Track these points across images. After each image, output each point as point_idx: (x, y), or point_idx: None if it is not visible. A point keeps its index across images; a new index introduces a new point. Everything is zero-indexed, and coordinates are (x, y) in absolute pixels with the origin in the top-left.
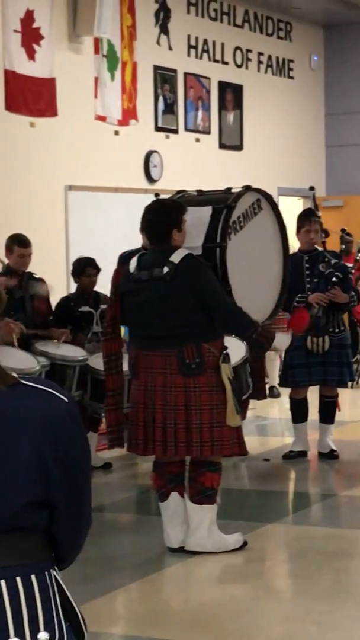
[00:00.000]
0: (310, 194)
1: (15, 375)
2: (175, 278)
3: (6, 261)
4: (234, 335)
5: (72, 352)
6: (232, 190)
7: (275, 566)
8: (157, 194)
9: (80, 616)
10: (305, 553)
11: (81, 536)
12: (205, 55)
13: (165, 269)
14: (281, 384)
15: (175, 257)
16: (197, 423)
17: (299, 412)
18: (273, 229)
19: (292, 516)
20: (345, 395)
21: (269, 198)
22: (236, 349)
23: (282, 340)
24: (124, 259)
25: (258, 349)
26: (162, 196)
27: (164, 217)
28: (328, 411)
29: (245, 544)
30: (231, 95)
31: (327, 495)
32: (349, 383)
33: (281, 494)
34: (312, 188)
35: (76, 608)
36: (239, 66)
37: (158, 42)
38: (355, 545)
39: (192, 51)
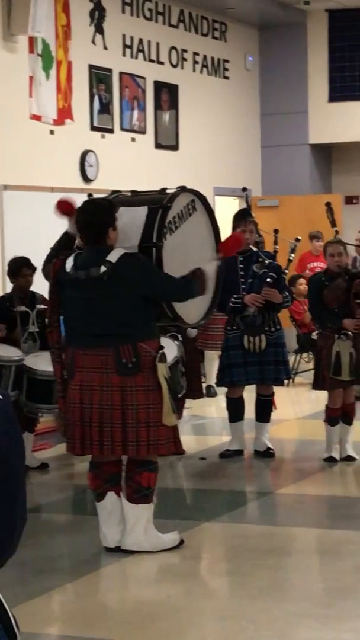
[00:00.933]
0: (244, 194)
1: None
2: (112, 277)
3: None
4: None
5: (7, 352)
6: (167, 191)
7: (212, 564)
8: (89, 194)
9: (12, 617)
10: (241, 551)
11: (15, 536)
12: (140, 54)
13: (103, 268)
14: (218, 384)
15: (113, 256)
16: (133, 422)
17: (235, 411)
18: (207, 229)
19: (229, 514)
20: (281, 393)
21: (202, 199)
22: (169, 348)
23: (210, 266)
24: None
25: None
26: (97, 196)
27: (99, 217)
28: (264, 410)
29: (181, 542)
30: (167, 95)
31: (263, 493)
32: (285, 381)
33: (217, 493)
34: (244, 189)
35: (7, 609)
36: (174, 66)
37: (93, 42)
38: (290, 542)
39: (128, 51)
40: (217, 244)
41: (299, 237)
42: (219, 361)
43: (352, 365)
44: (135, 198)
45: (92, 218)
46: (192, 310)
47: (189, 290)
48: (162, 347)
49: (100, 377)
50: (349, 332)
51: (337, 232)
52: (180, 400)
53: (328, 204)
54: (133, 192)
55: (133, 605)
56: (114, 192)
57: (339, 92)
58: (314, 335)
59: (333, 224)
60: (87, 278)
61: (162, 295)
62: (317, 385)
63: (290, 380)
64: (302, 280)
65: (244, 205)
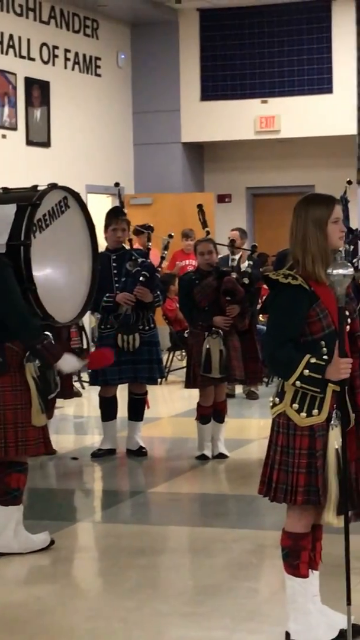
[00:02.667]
0: (117, 190)
1: None
2: None
3: None
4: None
5: None
6: (39, 188)
7: (82, 565)
8: None
9: None
10: (113, 551)
11: None
12: (11, 50)
13: None
14: (91, 383)
15: None
16: (0, 424)
17: (108, 410)
18: (81, 227)
19: (100, 514)
20: (154, 392)
21: (76, 196)
22: None
23: (69, 362)
24: None
25: (40, 361)
26: None
27: None
28: (137, 408)
29: (52, 543)
30: (38, 91)
31: (135, 492)
32: (159, 380)
33: (89, 492)
34: (117, 184)
35: None
36: (45, 62)
37: None
38: (162, 541)
39: None
40: (93, 243)
41: (172, 234)
42: None
43: (223, 363)
44: (5, 196)
45: None
46: (65, 309)
47: (30, 331)
48: None
49: None
50: (220, 330)
51: (208, 233)
52: (51, 400)
53: (199, 206)
54: (4, 189)
55: (2, 607)
56: None
57: (211, 91)
58: (187, 334)
59: (204, 225)
60: None
61: (2, 306)
62: (189, 383)
63: (163, 379)
64: (172, 288)
65: (117, 203)
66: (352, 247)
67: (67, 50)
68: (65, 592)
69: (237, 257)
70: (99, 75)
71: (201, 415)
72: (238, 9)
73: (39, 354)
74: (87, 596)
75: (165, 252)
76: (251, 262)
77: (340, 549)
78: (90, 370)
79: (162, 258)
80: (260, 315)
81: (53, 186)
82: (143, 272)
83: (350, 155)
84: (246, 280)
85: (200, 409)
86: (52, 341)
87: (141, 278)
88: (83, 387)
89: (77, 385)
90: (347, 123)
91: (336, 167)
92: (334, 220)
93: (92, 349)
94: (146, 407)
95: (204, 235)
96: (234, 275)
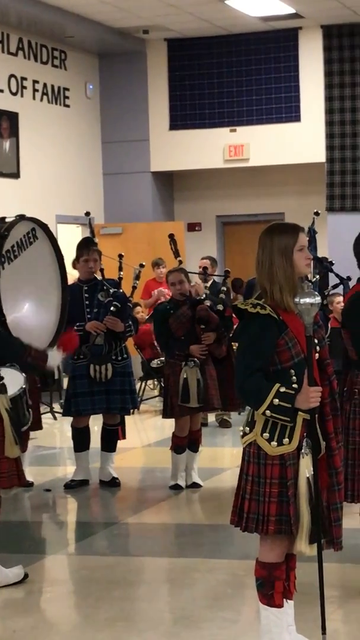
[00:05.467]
0: (87, 220)
1: None
2: None
3: None
4: (8, 365)
5: None
6: (7, 220)
7: (57, 598)
8: None
9: None
10: (87, 583)
11: None
12: None
13: None
14: (64, 414)
15: None
16: None
17: (80, 440)
18: (50, 258)
19: (74, 546)
20: (127, 421)
21: (44, 227)
22: (14, 379)
23: (55, 357)
24: None
25: (36, 370)
26: None
27: None
28: (110, 439)
29: (26, 576)
30: (7, 122)
31: (109, 523)
32: (132, 410)
33: (63, 524)
34: (87, 213)
35: None
36: (14, 94)
37: None
38: (137, 572)
39: None
40: (62, 274)
41: (143, 263)
42: (65, 391)
43: (201, 392)
44: None
45: None
46: (35, 339)
47: (14, 349)
48: (1, 378)
49: None
50: (196, 359)
51: (180, 262)
52: (25, 432)
53: (171, 236)
54: None
55: None
56: None
57: (180, 120)
58: (154, 363)
59: (176, 254)
60: None
61: None
62: (166, 414)
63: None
64: (138, 309)
65: (87, 233)
66: (320, 277)
67: (35, 82)
68: (39, 625)
69: (209, 284)
70: (68, 106)
71: (176, 445)
72: (206, 38)
73: (32, 366)
74: (61, 629)
75: (137, 281)
76: (224, 289)
77: (314, 578)
78: (62, 401)
79: (134, 288)
80: (232, 343)
81: (21, 217)
82: (114, 303)
83: (319, 183)
84: (220, 307)
85: (175, 439)
86: (31, 346)
87: (112, 308)
88: (55, 418)
89: (49, 415)
90: (316, 151)
91: (305, 194)
92: (299, 248)
93: (65, 380)
94: (122, 438)
95: (176, 264)
96: (207, 303)
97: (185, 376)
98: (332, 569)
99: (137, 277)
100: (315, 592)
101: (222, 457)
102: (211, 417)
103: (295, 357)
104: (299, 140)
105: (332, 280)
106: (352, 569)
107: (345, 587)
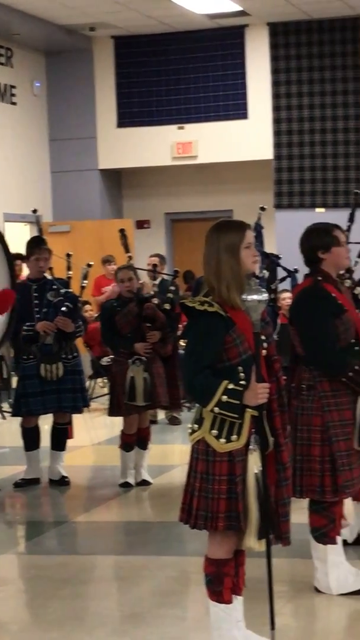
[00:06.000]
0: (34, 218)
1: None
2: None
3: None
4: None
5: None
6: None
7: (6, 597)
8: None
9: None
10: (37, 582)
11: None
12: None
13: None
14: (15, 414)
15: None
16: None
17: (31, 439)
18: None
19: (24, 545)
20: (76, 420)
21: None
22: None
23: None
24: None
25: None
26: None
27: None
28: (60, 438)
29: None
30: None
31: (59, 522)
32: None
33: (12, 523)
34: (34, 211)
35: None
36: None
37: None
38: (87, 571)
39: None
40: (11, 272)
41: (91, 263)
42: (15, 390)
43: (147, 390)
44: None
45: None
46: None
47: None
48: None
49: None
50: (142, 357)
51: (130, 257)
52: None
53: (122, 231)
54: None
55: None
56: None
57: (127, 117)
58: (104, 361)
59: (127, 249)
60: None
61: None
62: (112, 411)
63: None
64: (87, 307)
65: (35, 231)
66: (268, 272)
67: None
68: None
69: (157, 282)
70: (15, 104)
71: (125, 443)
72: (152, 35)
73: None
74: (11, 629)
75: (85, 281)
76: (173, 288)
77: (263, 573)
78: (11, 400)
79: (82, 287)
80: (181, 340)
81: None
82: (66, 303)
83: (267, 180)
84: (167, 306)
85: (124, 436)
86: None
87: (63, 308)
88: (4, 417)
89: None
90: (263, 148)
91: (254, 191)
92: (246, 245)
93: (14, 380)
94: (70, 437)
95: (126, 261)
96: (155, 301)
97: (132, 374)
98: (281, 564)
99: (85, 277)
100: (264, 587)
101: (171, 454)
102: (161, 415)
103: (243, 354)
104: (247, 138)
105: (281, 274)
106: (300, 564)
107: (294, 582)
